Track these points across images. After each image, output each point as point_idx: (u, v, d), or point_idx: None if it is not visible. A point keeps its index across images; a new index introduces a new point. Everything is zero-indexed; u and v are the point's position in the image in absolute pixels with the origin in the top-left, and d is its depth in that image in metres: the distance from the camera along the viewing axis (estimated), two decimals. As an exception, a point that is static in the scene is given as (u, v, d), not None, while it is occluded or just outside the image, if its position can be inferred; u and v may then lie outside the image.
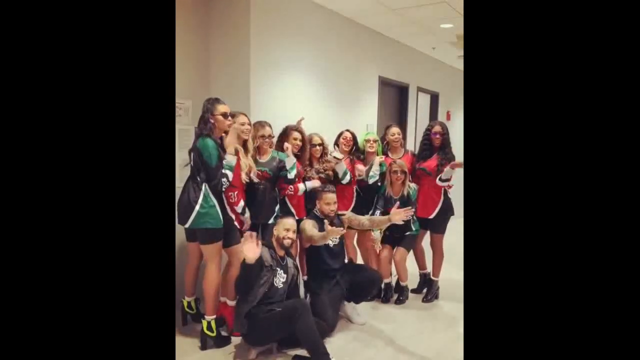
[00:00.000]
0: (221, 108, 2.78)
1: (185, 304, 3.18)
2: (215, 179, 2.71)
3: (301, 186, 3.26)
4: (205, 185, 2.72)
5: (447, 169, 3.52)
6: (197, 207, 2.70)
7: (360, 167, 3.62)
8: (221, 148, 2.79)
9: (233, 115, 2.88)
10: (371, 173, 3.62)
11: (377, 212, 3.65)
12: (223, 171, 2.73)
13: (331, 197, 3.22)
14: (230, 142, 2.85)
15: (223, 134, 2.89)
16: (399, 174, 3.55)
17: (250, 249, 2.60)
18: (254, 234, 2.71)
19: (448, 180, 3.61)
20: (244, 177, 2.94)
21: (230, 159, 2.79)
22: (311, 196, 3.43)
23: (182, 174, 3.23)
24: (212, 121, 2.75)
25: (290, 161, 3.13)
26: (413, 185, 3.66)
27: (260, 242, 2.71)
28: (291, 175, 3.14)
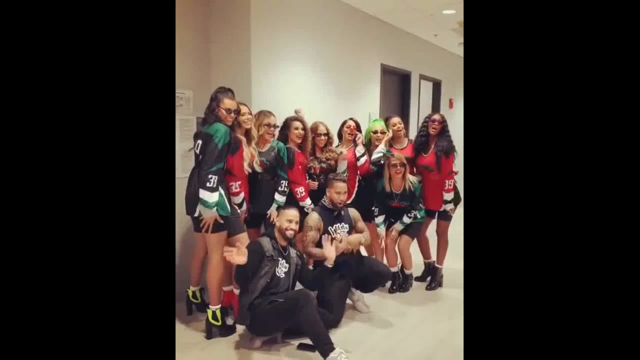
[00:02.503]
0: (227, 103, 2.76)
1: (190, 294, 3.21)
2: (215, 165, 2.62)
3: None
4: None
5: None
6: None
7: (360, 149, 3.59)
8: (231, 139, 2.77)
9: (238, 112, 2.87)
10: (378, 149, 3.57)
11: (377, 210, 3.65)
12: (213, 177, 2.63)
13: (342, 186, 3.19)
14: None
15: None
16: (398, 167, 3.48)
17: (237, 255, 2.59)
18: (237, 245, 2.70)
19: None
20: (245, 167, 2.94)
21: None
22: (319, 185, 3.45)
23: (184, 165, 3.25)
24: (215, 111, 2.75)
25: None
26: (415, 178, 3.61)
27: (244, 248, 2.69)
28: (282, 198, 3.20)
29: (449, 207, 3.68)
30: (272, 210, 3.15)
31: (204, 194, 2.63)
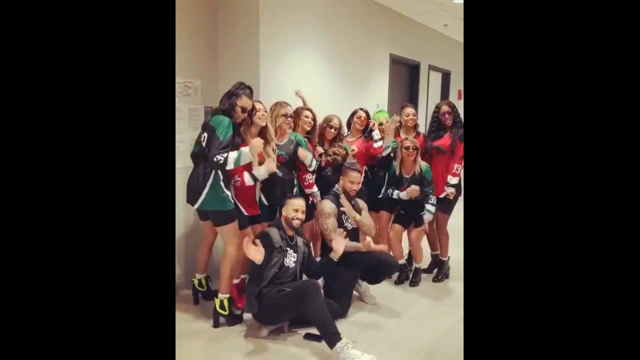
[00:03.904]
0: (244, 101, 2.74)
1: (196, 282, 3.22)
2: (214, 156, 2.58)
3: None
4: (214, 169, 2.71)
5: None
6: (207, 189, 2.69)
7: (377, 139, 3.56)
8: (235, 131, 2.74)
9: (251, 111, 2.84)
10: (386, 144, 3.56)
11: (389, 191, 3.63)
12: (221, 156, 2.58)
13: (356, 176, 3.18)
14: (254, 145, 2.72)
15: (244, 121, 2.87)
16: (410, 150, 3.48)
17: (255, 252, 2.65)
18: (250, 237, 2.76)
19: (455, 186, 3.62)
20: (247, 180, 2.85)
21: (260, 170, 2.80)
22: (325, 177, 3.45)
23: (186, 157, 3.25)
24: (233, 104, 2.72)
25: (309, 158, 3.16)
26: (424, 163, 3.59)
27: (259, 241, 2.76)
28: (312, 167, 3.18)
29: (450, 190, 3.56)
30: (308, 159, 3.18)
31: (228, 160, 2.57)
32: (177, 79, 3.30)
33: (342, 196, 3.20)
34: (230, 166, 2.60)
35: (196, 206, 2.78)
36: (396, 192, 3.59)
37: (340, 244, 2.96)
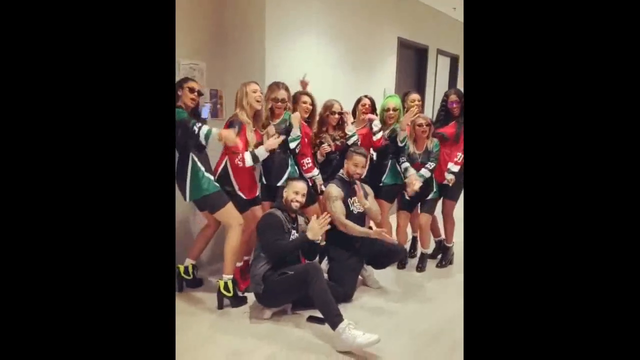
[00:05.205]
0: (190, 84, 2.87)
1: (182, 270, 3.16)
2: (192, 127, 2.71)
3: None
4: (191, 156, 2.80)
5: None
6: (189, 178, 2.80)
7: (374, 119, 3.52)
8: (192, 115, 2.84)
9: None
10: (401, 136, 3.52)
11: (401, 160, 3.60)
12: (196, 127, 2.70)
13: (360, 160, 3.19)
14: (242, 110, 2.91)
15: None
16: (424, 126, 3.51)
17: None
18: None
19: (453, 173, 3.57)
20: (247, 160, 2.90)
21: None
22: (333, 161, 3.46)
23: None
24: (179, 94, 2.83)
25: (295, 133, 3.09)
26: (435, 139, 3.59)
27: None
28: (292, 145, 3.12)
29: (450, 177, 3.51)
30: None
31: (200, 131, 2.69)
32: (183, 61, 3.29)
33: (358, 183, 3.19)
34: (201, 137, 2.73)
35: (187, 199, 2.85)
36: (405, 164, 3.56)
37: (315, 229, 2.80)
